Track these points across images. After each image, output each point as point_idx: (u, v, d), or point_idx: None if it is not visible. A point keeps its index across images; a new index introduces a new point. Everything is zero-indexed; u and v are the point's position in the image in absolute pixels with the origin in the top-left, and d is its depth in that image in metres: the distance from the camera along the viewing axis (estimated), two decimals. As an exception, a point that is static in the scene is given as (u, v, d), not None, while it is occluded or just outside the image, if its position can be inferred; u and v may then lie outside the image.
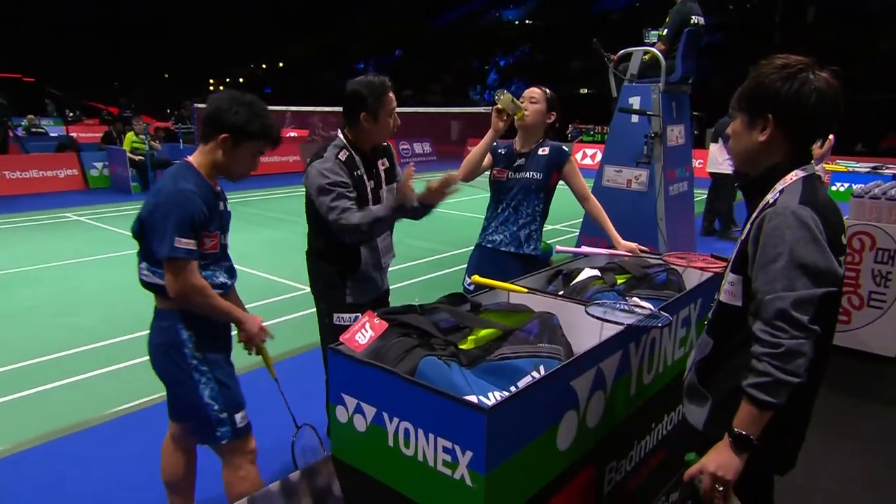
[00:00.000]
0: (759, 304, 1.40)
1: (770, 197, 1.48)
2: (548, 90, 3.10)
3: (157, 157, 12.01)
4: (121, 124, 13.20)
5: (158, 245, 1.94)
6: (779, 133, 1.47)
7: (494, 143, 3.15)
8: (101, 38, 40.03)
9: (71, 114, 21.92)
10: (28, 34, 35.57)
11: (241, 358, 2.31)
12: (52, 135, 17.09)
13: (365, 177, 2.66)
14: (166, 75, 44.00)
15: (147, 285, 2.11)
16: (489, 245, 3.14)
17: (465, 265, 3.34)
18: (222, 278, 2.18)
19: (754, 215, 1.50)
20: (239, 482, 2.20)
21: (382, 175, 2.77)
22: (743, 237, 1.53)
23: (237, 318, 2.16)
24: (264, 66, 49.10)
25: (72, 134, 16.21)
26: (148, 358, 2.18)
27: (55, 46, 36.89)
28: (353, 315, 2.73)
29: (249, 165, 2.12)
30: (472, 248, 3.30)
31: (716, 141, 7.88)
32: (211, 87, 47.25)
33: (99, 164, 12.59)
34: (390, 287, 3.06)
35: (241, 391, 2.23)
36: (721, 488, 1.41)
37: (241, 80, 49.45)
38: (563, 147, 3.14)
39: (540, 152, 3.07)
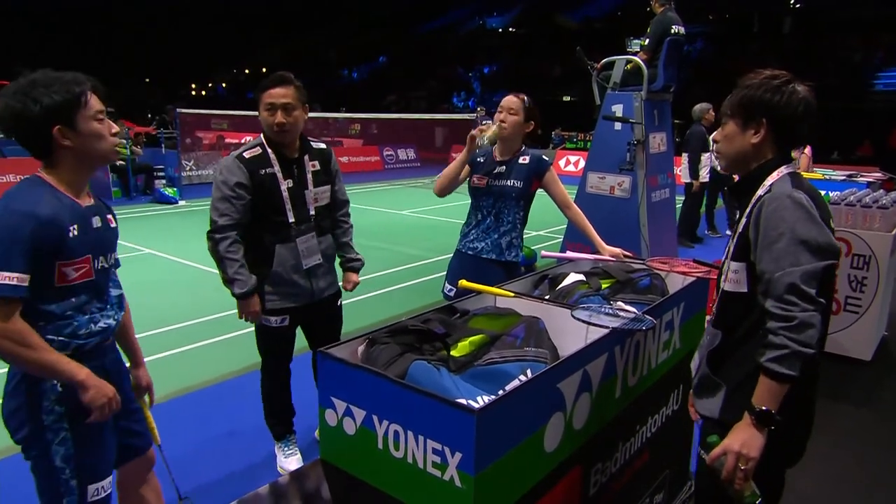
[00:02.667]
0: (769, 282, 1.49)
1: (761, 191, 1.61)
2: (526, 98, 3.07)
3: (138, 162, 11.90)
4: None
5: None
6: (769, 136, 1.62)
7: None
8: (80, 41, 39.55)
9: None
10: (2, 36, 35.03)
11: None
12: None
13: (279, 175, 2.64)
14: (147, 80, 43.59)
15: None
16: (470, 252, 3.15)
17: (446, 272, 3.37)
18: (104, 321, 1.81)
19: (749, 207, 1.62)
20: None
21: (309, 177, 2.74)
22: (741, 229, 1.64)
23: (70, 377, 1.66)
24: (247, 70, 48.83)
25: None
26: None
27: (32, 49, 36.36)
28: (279, 318, 2.76)
29: (103, 129, 1.74)
30: (452, 254, 3.32)
31: (685, 151, 8.01)
32: (193, 92, 46.89)
33: (78, 169, 12.42)
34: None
35: (109, 456, 1.86)
36: (744, 467, 1.47)
37: (223, 84, 49.18)
38: (544, 157, 3.17)
39: (520, 161, 3.08)
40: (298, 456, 3.01)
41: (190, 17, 42.88)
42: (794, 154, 1.77)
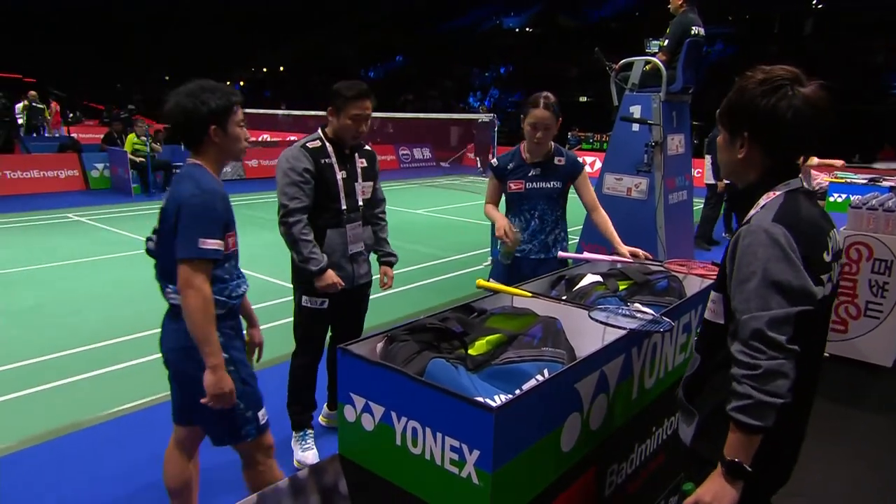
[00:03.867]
0: (737, 324, 1.38)
1: (752, 212, 1.47)
2: (552, 103, 3.02)
3: (157, 158, 12.04)
4: (120, 125, 13.23)
5: (182, 247, 1.93)
6: (756, 149, 1.46)
7: (495, 162, 3.24)
8: (102, 39, 40.11)
9: (71, 115, 21.99)
10: (30, 35, 35.63)
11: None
12: (46, 135, 17.13)
13: (336, 166, 2.89)
14: (167, 77, 44.09)
15: (178, 308, 2.07)
16: (517, 255, 3.15)
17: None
18: (243, 286, 2.20)
19: (731, 237, 1.50)
20: (261, 477, 2.24)
21: (359, 171, 3.00)
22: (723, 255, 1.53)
23: (210, 353, 1.98)
24: (265, 69, 49.16)
25: (73, 134, 16.24)
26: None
27: (57, 47, 36.94)
28: (321, 300, 2.94)
29: (241, 134, 2.12)
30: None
31: (709, 153, 7.96)
32: (211, 90, 47.21)
33: (100, 165, 12.61)
34: (389, 292, 3.17)
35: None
36: None
37: (241, 82, 49.53)
38: (579, 159, 3.21)
39: (556, 162, 3.13)
40: (315, 451, 3.05)
41: (208, 14, 43.29)
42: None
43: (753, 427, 1.32)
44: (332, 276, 2.83)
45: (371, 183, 3.06)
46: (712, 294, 1.57)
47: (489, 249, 6.25)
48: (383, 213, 3.23)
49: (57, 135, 16.98)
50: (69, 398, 3.72)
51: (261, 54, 46.08)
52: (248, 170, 14.86)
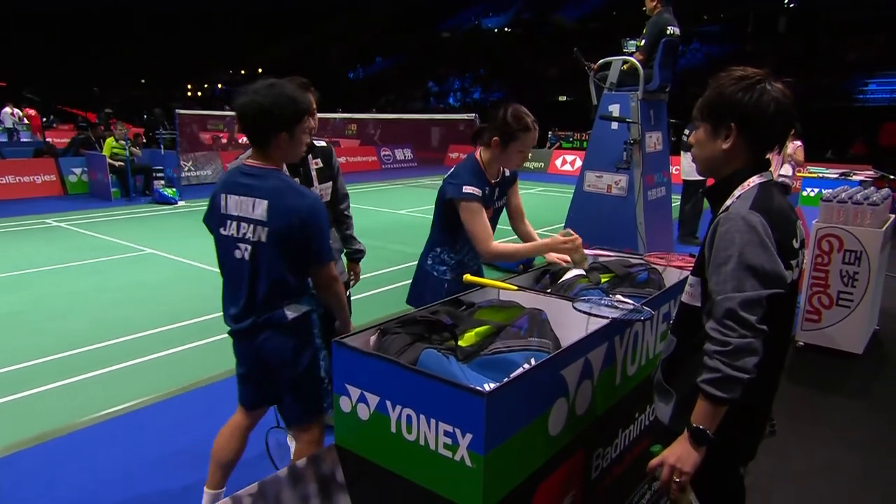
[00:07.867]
0: (712, 304, 1.49)
1: (729, 202, 1.58)
2: (535, 121, 2.67)
3: (137, 162, 11.92)
4: (100, 129, 13.08)
5: (323, 252, 2.12)
6: (741, 141, 1.57)
7: (477, 191, 2.62)
8: (74, 41, 39.50)
9: (44, 119, 21.64)
10: (2, 36, 34.96)
11: (231, 359, 2.37)
12: (24, 140, 16.84)
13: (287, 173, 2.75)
14: (143, 80, 43.52)
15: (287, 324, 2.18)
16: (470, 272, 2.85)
17: None
18: None
19: (710, 224, 1.61)
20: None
21: (314, 174, 2.85)
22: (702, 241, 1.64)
23: (346, 318, 2.38)
24: (243, 71, 48.75)
25: (48, 139, 15.99)
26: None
27: (30, 50, 36.30)
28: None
29: (305, 141, 2.20)
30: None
31: (687, 150, 8.08)
32: (189, 93, 46.79)
33: (77, 170, 12.43)
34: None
35: None
36: (678, 479, 1.51)
37: (219, 84, 49.07)
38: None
39: (505, 174, 2.82)
40: None
41: (185, 17, 42.86)
42: (788, 145, 1.76)
43: (720, 399, 1.45)
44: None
45: (330, 184, 2.91)
46: (690, 278, 1.68)
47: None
48: (347, 208, 3.13)
49: (32, 139, 16.69)
50: (57, 402, 3.71)
51: (239, 56, 45.68)
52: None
